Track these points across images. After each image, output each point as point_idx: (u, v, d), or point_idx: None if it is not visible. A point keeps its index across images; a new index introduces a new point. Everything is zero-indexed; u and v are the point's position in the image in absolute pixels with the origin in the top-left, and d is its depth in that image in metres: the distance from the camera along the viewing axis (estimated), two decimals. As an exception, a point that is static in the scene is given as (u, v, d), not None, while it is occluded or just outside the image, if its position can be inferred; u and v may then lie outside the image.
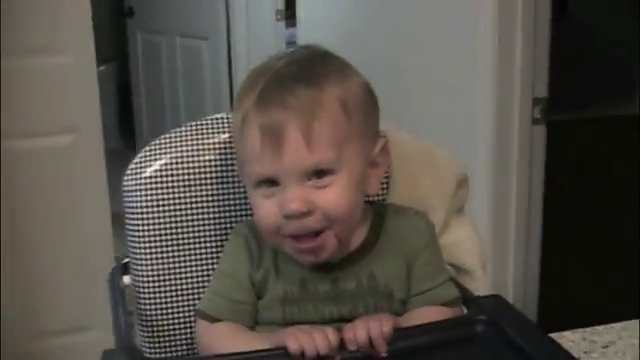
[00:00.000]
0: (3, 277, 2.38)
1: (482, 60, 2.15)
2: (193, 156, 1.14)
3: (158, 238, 1.13)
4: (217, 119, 1.17)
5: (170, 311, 1.14)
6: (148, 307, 1.14)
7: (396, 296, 1.05)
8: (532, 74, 2.15)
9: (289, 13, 3.93)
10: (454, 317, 1.04)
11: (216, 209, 1.15)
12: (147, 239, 1.13)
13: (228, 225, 1.15)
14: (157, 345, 1.15)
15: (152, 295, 1.14)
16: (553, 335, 0.99)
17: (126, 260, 1.17)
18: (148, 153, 1.14)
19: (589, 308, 1.88)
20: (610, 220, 2.45)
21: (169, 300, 1.14)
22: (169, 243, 1.13)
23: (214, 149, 1.15)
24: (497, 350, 0.95)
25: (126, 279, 1.16)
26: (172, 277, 1.14)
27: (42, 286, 2.47)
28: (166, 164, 1.13)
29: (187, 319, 1.15)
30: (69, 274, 2.50)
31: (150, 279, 1.13)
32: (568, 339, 1.09)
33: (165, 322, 1.14)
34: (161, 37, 4.73)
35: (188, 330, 1.15)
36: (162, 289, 1.14)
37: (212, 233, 1.15)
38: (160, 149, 1.14)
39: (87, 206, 2.50)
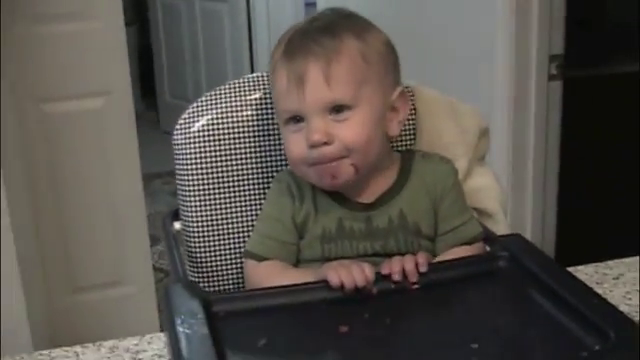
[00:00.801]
0: (45, 235, 2.47)
1: (499, 18, 2.20)
2: (236, 111, 1.25)
3: (206, 187, 1.23)
4: (257, 77, 1.28)
5: (218, 252, 1.25)
6: (198, 250, 1.25)
7: (423, 232, 1.16)
8: (548, 31, 2.21)
9: (309, -23, 3.98)
10: (478, 254, 1.14)
11: (258, 159, 1.25)
12: (196, 188, 1.23)
13: (269, 174, 1.26)
14: (206, 283, 1.26)
15: (201, 239, 1.24)
16: (568, 269, 1.08)
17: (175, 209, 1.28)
18: (195, 109, 1.25)
19: (603, 248, 1.96)
20: (624, 171, 2.51)
21: (217, 243, 1.25)
22: (216, 191, 1.24)
23: (254, 104, 1.26)
24: (518, 283, 1.04)
25: (176, 225, 1.27)
26: (219, 222, 1.24)
27: (78, 244, 2.54)
28: (212, 119, 1.24)
29: (233, 259, 1.26)
30: (103, 232, 2.57)
31: (200, 224, 1.24)
32: (582, 272, 1.18)
33: (213, 263, 1.25)
34: (181, 1, 4.77)
35: (234, 269, 1.26)
36: (210, 233, 1.24)
37: (255, 181, 1.25)
38: (206, 105, 1.25)
39: (119, 166, 2.55)
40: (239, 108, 1.25)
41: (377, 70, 1.12)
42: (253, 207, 1.25)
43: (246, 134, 1.25)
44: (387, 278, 1.03)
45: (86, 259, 2.58)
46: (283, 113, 1.13)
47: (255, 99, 1.26)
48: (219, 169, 1.24)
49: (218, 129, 1.24)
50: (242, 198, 1.25)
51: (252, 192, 1.25)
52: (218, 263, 1.25)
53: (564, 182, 2.39)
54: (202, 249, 1.25)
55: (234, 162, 1.24)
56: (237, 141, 1.24)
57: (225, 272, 1.26)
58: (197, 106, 1.25)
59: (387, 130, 1.15)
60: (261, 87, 1.27)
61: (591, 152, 2.47)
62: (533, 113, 2.24)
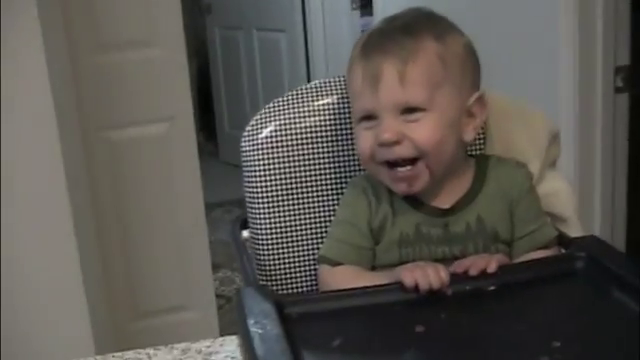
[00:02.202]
0: (111, 261, 2.50)
1: (564, 28, 2.17)
2: (305, 117, 1.24)
3: (275, 194, 1.23)
4: (325, 82, 1.27)
5: (289, 260, 1.24)
6: (268, 257, 1.24)
7: (501, 237, 1.13)
8: (614, 42, 2.17)
9: (364, 2, 4.00)
10: (555, 254, 1.11)
11: (329, 165, 1.24)
12: (265, 195, 1.22)
13: (340, 179, 1.25)
14: (277, 290, 1.24)
15: (271, 247, 1.23)
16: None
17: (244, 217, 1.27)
18: (263, 116, 1.25)
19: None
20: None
21: (287, 251, 1.24)
22: (286, 198, 1.23)
23: (324, 110, 1.25)
24: (598, 284, 1.01)
25: (245, 233, 1.26)
26: (290, 229, 1.24)
27: (144, 269, 2.56)
28: (280, 124, 1.24)
29: (305, 267, 1.25)
30: (167, 258, 2.58)
31: (269, 232, 1.23)
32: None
33: (284, 270, 1.24)
34: (238, 32, 4.83)
35: (305, 277, 1.25)
36: (281, 241, 1.23)
37: (325, 187, 1.24)
38: (274, 112, 1.25)
39: (182, 191, 2.57)
40: (308, 113, 1.25)
41: (454, 73, 1.10)
42: (324, 213, 1.24)
43: (316, 139, 1.24)
44: (463, 278, 1.01)
45: (150, 285, 2.60)
46: (357, 112, 1.13)
47: (324, 104, 1.25)
48: (289, 175, 1.23)
49: (287, 134, 1.23)
50: (312, 204, 1.24)
51: (323, 198, 1.24)
52: (289, 271, 1.24)
53: (632, 197, 2.34)
54: (272, 256, 1.24)
55: (304, 167, 1.24)
56: (307, 146, 1.24)
57: (296, 280, 1.25)
58: (265, 112, 1.25)
59: (462, 135, 1.13)
60: (330, 92, 1.26)
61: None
62: (600, 129, 2.20)
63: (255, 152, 1.23)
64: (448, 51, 1.10)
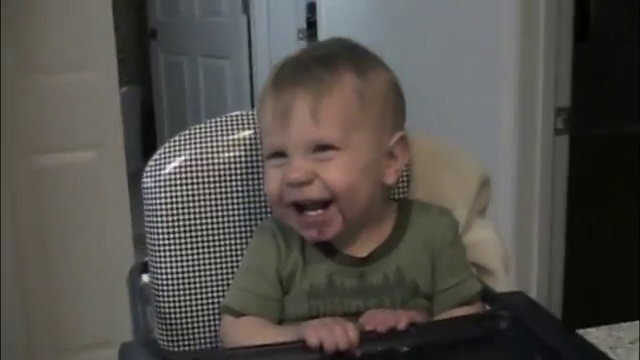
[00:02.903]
0: (28, 293, 2.38)
1: (505, 70, 2.13)
2: (214, 152, 1.14)
3: (178, 236, 1.12)
4: (238, 115, 1.17)
5: (190, 309, 1.13)
6: (168, 305, 1.13)
7: (422, 290, 1.04)
8: (554, 84, 2.13)
9: (310, 32, 3.94)
10: (477, 312, 1.03)
11: (237, 206, 1.14)
12: (167, 237, 1.12)
13: (250, 222, 1.15)
14: (178, 342, 1.14)
15: (172, 293, 1.13)
16: (578, 332, 0.97)
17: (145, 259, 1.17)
18: (167, 150, 1.15)
19: (613, 309, 1.86)
20: (632, 228, 2.42)
21: (190, 298, 1.13)
22: (190, 241, 1.12)
23: (236, 145, 1.15)
24: (521, 346, 0.93)
25: (145, 278, 1.16)
26: (193, 275, 1.13)
27: (66, 302, 2.47)
28: (186, 160, 1.13)
29: (208, 317, 1.14)
30: (92, 290, 2.50)
31: (170, 277, 1.12)
32: (593, 336, 1.06)
33: (185, 320, 1.13)
34: (183, 57, 4.76)
35: (208, 328, 1.14)
36: (183, 287, 1.13)
37: (233, 230, 1.14)
38: (180, 146, 1.15)
39: (109, 221, 2.50)
40: (217, 149, 1.14)
41: (374, 112, 1.01)
42: (230, 259, 1.14)
43: (225, 177, 1.14)
44: (373, 338, 0.92)
45: (74, 320, 2.50)
46: (267, 148, 1.04)
47: (235, 139, 1.15)
48: (194, 216, 1.12)
49: (193, 171, 1.12)
50: (219, 248, 1.13)
51: (231, 242, 1.14)
52: (191, 320, 1.13)
53: (571, 239, 2.31)
54: (174, 304, 1.13)
55: (210, 208, 1.13)
56: (214, 185, 1.13)
57: (199, 330, 1.14)
58: (170, 146, 1.15)
59: (382, 178, 1.04)
60: (242, 126, 1.16)
61: (598, 210, 2.38)
62: (539, 170, 2.16)
63: (157, 189, 1.12)
64: (368, 87, 1.01)
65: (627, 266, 2.42)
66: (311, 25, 3.92)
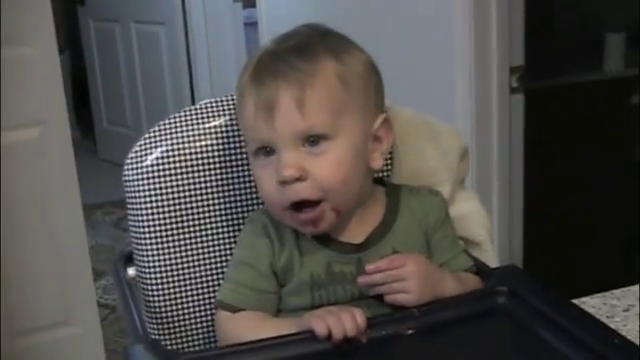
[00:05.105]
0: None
1: (459, 31, 2.13)
2: (195, 141, 1.11)
3: (164, 227, 1.09)
4: (217, 101, 1.14)
5: (181, 302, 1.11)
6: (157, 300, 1.10)
7: None
8: (508, 43, 2.14)
9: (246, -7, 3.89)
10: (475, 290, 1.03)
11: (223, 194, 1.12)
12: (152, 229, 1.09)
13: (237, 210, 1.12)
14: (169, 338, 1.11)
15: (161, 287, 1.10)
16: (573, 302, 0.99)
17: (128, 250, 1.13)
18: (147, 141, 1.11)
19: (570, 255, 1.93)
20: (588, 182, 2.50)
21: (179, 291, 1.10)
22: (176, 232, 1.09)
23: (216, 132, 1.12)
24: (521, 320, 0.94)
25: (130, 271, 1.12)
26: (181, 267, 1.10)
27: (18, 283, 2.40)
28: (167, 151, 1.10)
29: (201, 310, 1.12)
30: (44, 269, 2.43)
31: (158, 270, 1.09)
32: (589, 305, 1.08)
33: (177, 314, 1.11)
34: (115, 24, 4.63)
35: (201, 321, 1.12)
36: (171, 279, 1.10)
37: (220, 219, 1.12)
38: (159, 136, 1.11)
39: (58, 198, 2.43)
40: (198, 137, 1.11)
41: (356, 94, 0.99)
42: (219, 249, 1.11)
43: (208, 166, 1.11)
44: (379, 322, 0.92)
45: (26, 301, 2.43)
46: (252, 142, 1.00)
47: (217, 126, 1.12)
48: (177, 207, 1.09)
49: (174, 161, 1.09)
50: (207, 239, 1.11)
51: (218, 232, 1.11)
52: (182, 316, 1.11)
53: (530, 197, 2.34)
54: (164, 300, 1.10)
55: (195, 198, 1.10)
56: (198, 174, 1.10)
57: (191, 326, 1.11)
58: (149, 137, 1.11)
59: (369, 162, 1.03)
60: (223, 113, 1.13)
61: (555, 163, 2.44)
62: (496, 127, 2.17)
63: (139, 182, 1.08)
64: (349, 71, 0.99)
65: (582, 213, 2.50)
66: (246, -14, 3.86)
